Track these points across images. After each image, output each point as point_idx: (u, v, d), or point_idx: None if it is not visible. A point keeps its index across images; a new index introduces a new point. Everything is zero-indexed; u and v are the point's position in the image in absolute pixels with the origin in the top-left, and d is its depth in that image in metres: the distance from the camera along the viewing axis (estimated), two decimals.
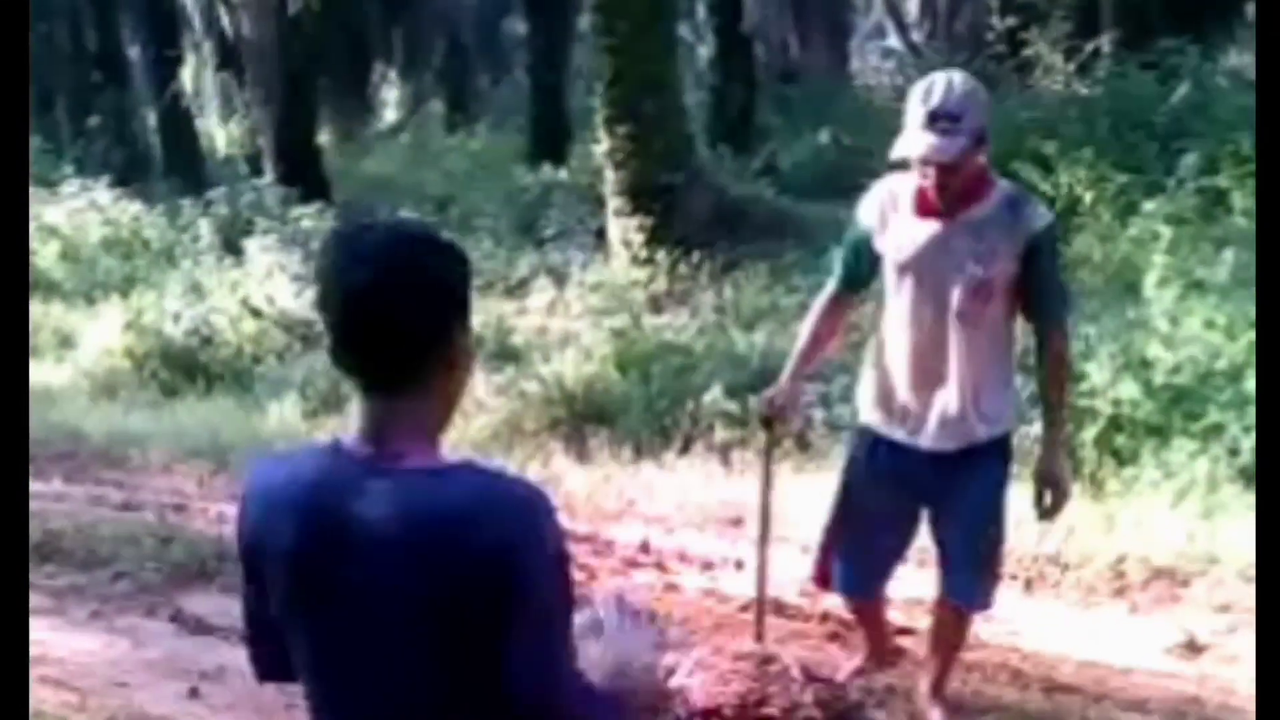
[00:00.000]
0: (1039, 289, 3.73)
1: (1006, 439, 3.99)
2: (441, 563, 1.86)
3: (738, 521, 6.35)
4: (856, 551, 4.17)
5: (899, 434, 3.93)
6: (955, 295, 3.74)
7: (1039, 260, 3.68)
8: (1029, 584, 5.56)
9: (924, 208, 3.78)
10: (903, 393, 3.88)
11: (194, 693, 4.84)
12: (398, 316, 1.88)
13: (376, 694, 1.96)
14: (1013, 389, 4.03)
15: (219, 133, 19.59)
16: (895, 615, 5.25)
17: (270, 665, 2.17)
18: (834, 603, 5.44)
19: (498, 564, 1.85)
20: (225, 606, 5.68)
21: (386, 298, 1.87)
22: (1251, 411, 6.20)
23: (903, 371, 3.87)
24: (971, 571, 4.04)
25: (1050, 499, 3.92)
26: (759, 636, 4.33)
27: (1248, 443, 6.14)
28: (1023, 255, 3.66)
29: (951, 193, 3.66)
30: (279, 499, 2.00)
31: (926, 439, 3.89)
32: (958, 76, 3.66)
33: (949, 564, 4.09)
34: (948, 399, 3.83)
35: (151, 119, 19.86)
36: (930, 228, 3.78)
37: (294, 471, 2.01)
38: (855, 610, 4.55)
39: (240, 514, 2.08)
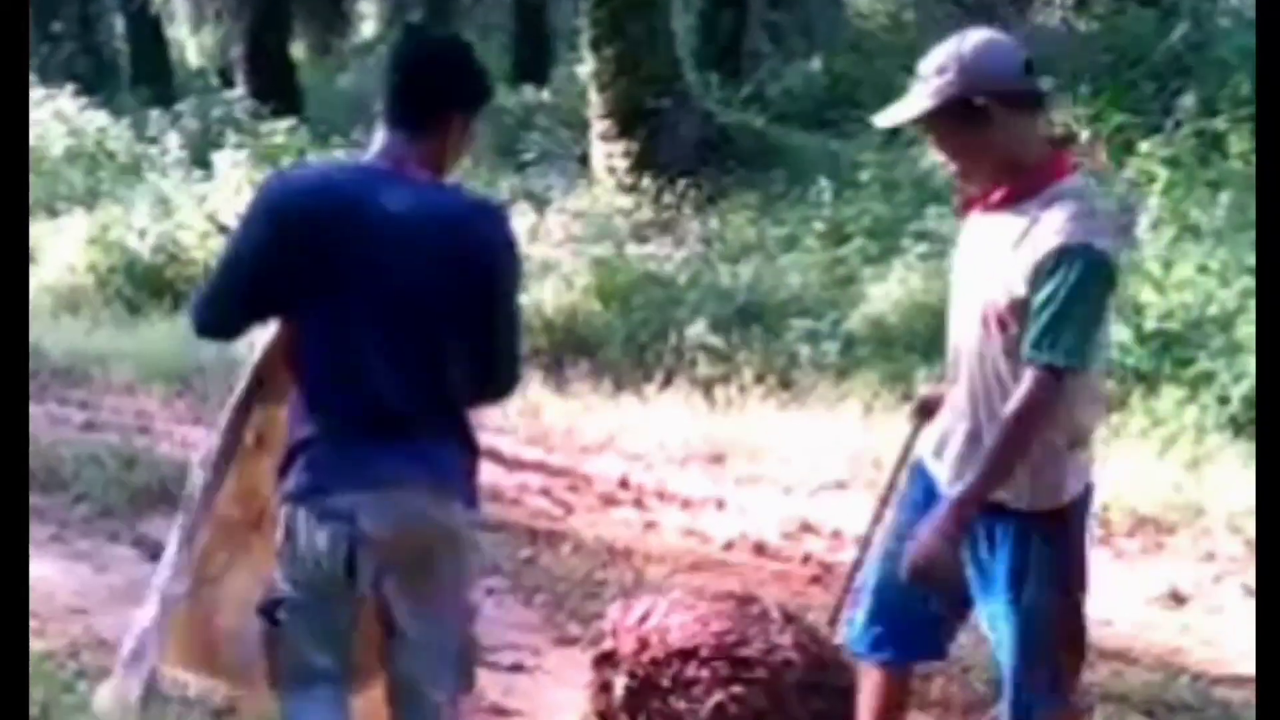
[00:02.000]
0: (1035, 313, 2.79)
1: (1037, 517, 2.96)
2: (453, 249, 2.67)
3: (719, 459, 6.25)
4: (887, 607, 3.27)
5: (933, 470, 3.16)
6: (968, 319, 3.00)
7: (1046, 283, 2.77)
8: None
9: (965, 200, 3.11)
10: (941, 424, 3.18)
11: None
12: (434, 78, 2.80)
13: (389, 361, 2.65)
14: (1057, 455, 2.93)
15: (189, 43, 19.22)
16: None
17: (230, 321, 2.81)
18: (816, 545, 5.38)
19: (493, 254, 2.74)
20: None
21: (429, 67, 2.82)
22: (1242, 360, 6.13)
23: (947, 402, 3.17)
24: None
25: (907, 559, 2.94)
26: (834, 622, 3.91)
27: (1237, 391, 6.08)
28: (1030, 277, 2.80)
29: (979, 180, 2.97)
30: (317, 189, 2.76)
31: (942, 488, 3.07)
32: (970, 31, 3.00)
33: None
34: (956, 448, 3.05)
35: (119, 26, 19.42)
36: (971, 226, 3.07)
37: (326, 174, 3.06)
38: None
39: (269, 202, 2.73)
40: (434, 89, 2.79)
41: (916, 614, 3.13)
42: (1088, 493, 3.02)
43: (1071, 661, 3.08)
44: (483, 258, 2.70)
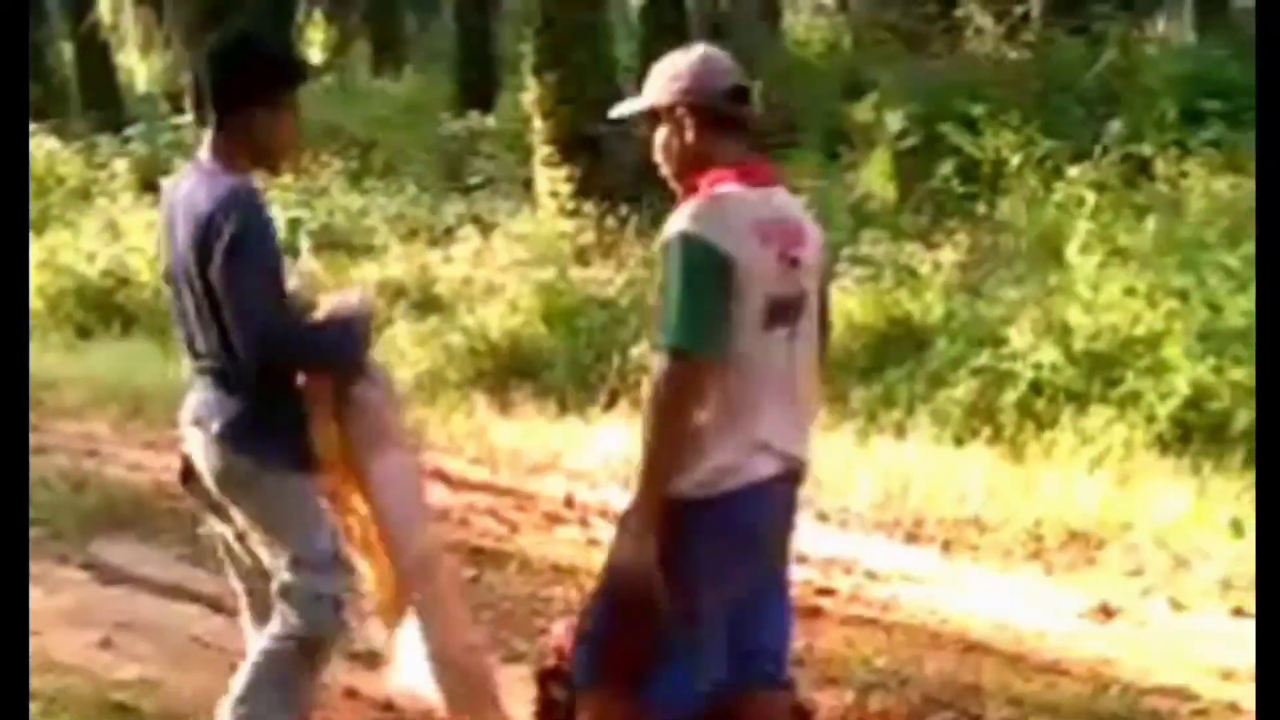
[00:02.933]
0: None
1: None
2: (191, 231, 3.23)
3: None
4: None
5: None
6: None
7: (665, 276, 2.97)
8: (947, 545, 5.63)
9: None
10: None
11: (106, 642, 4.77)
12: (223, 76, 3.31)
13: (184, 322, 3.36)
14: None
15: (139, 68, 19.16)
16: (812, 574, 5.32)
17: None
18: None
19: (206, 231, 3.19)
20: (141, 555, 5.62)
21: (218, 67, 3.32)
22: (1169, 379, 6.31)
23: None
24: None
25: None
26: None
27: (1164, 410, 6.26)
28: None
29: (677, 184, 3.12)
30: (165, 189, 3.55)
31: None
32: (696, 47, 3.21)
33: None
34: None
35: (68, 52, 19.31)
36: None
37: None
38: None
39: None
40: (223, 86, 3.27)
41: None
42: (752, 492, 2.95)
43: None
44: (204, 236, 3.20)
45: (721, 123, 3.04)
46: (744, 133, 3.08)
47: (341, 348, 3.43)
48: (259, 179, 3.50)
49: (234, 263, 3.20)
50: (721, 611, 2.99)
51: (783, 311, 2.95)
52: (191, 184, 3.32)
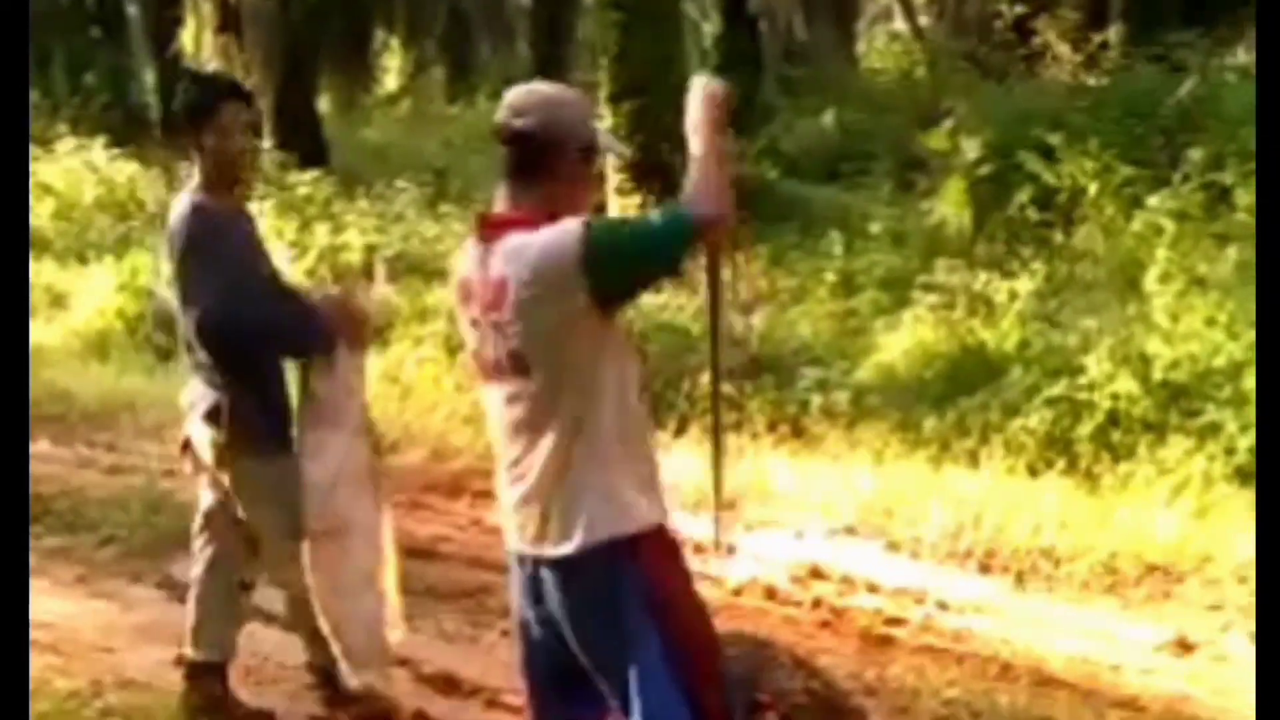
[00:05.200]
0: None
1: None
2: (167, 246, 4.08)
3: (731, 504, 6.32)
4: None
5: None
6: None
7: None
8: (1020, 577, 5.55)
9: None
10: None
11: (179, 660, 4.78)
12: (175, 110, 4.14)
13: None
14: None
15: None
16: (883, 604, 5.26)
17: None
18: (826, 590, 5.46)
19: (172, 240, 4.02)
20: None
21: (171, 101, 4.19)
22: (1250, 411, 6.19)
23: None
24: None
25: None
26: None
27: (1244, 442, 6.13)
28: None
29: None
30: None
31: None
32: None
33: None
34: None
35: (149, 79, 19.71)
36: None
37: None
38: None
39: None
40: (177, 117, 4.06)
41: None
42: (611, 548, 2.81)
43: None
44: (169, 249, 4.05)
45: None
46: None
47: (285, 338, 4.02)
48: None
49: (185, 270, 3.97)
50: None
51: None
52: (176, 206, 4.10)
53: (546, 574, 2.84)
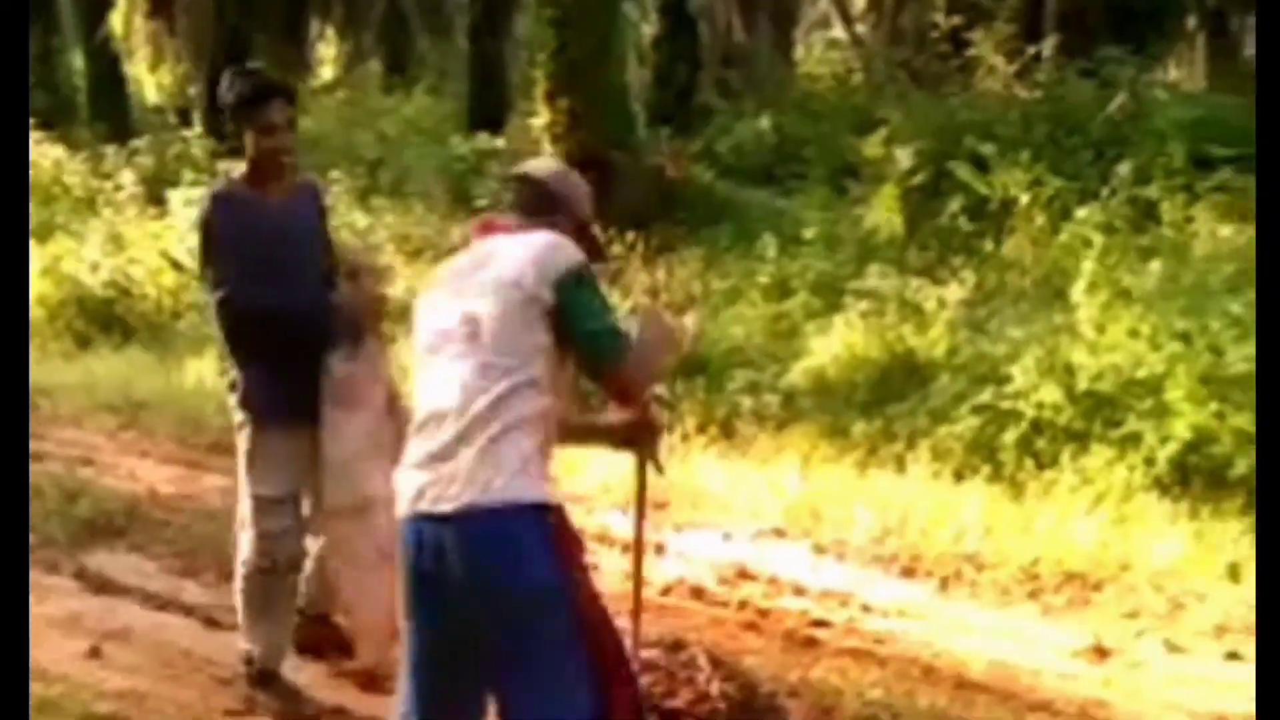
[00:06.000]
0: None
1: None
2: None
3: (661, 505, 6.32)
4: None
5: None
6: None
7: None
8: (945, 582, 5.59)
9: None
10: None
11: (95, 652, 4.73)
12: (222, 104, 4.23)
13: None
14: None
15: (148, 80, 19.20)
16: (809, 605, 5.29)
17: None
18: (753, 591, 5.47)
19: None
20: (133, 565, 5.59)
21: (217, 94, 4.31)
22: (1169, 422, 6.29)
23: None
24: None
25: None
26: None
27: (1164, 453, 6.23)
28: None
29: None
30: None
31: None
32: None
33: None
34: None
35: (78, 62, 19.39)
36: None
37: None
38: None
39: None
40: (225, 110, 4.21)
41: None
42: None
43: None
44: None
45: None
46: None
47: (288, 327, 4.08)
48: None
49: (201, 256, 4.28)
50: None
51: None
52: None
53: (447, 532, 2.83)
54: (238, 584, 4.28)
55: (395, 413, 4.17)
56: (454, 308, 2.98)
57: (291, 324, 4.11)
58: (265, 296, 4.08)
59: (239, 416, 4.21)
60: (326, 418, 4.12)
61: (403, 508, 2.93)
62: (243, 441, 4.21)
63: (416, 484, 2.90)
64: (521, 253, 2.96)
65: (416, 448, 2.95)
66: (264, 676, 4.27)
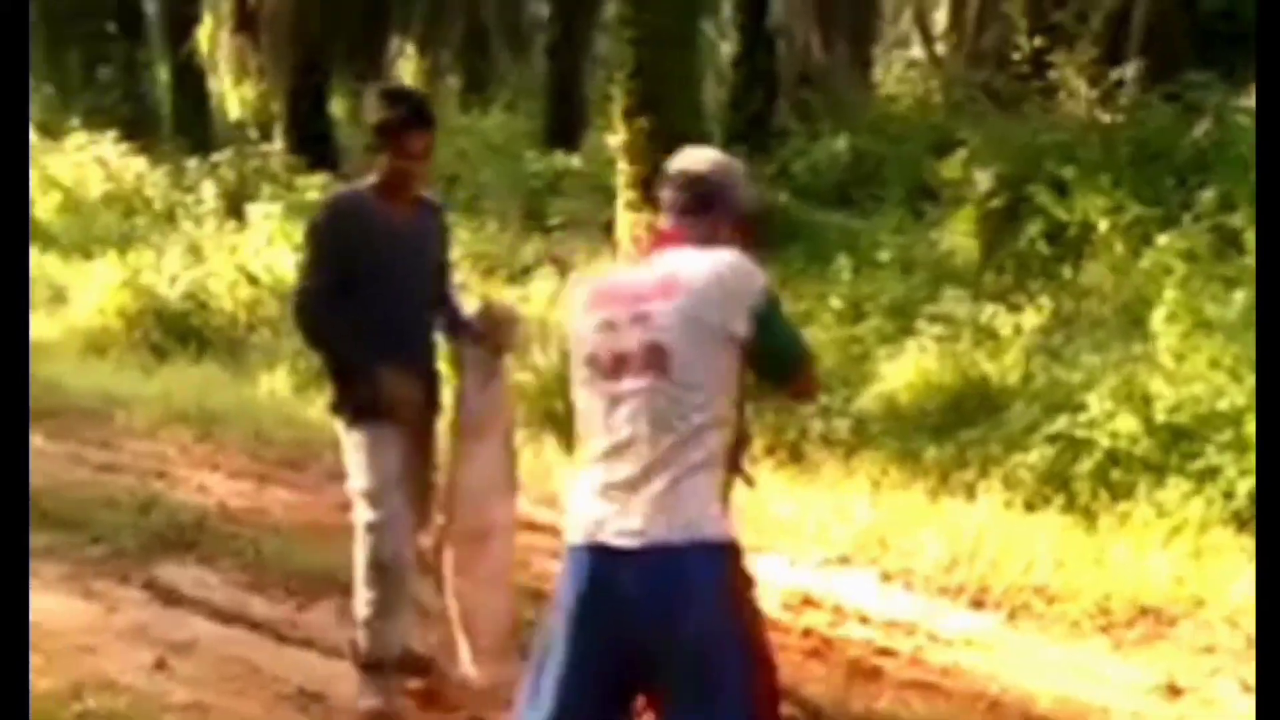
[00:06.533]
0: None
1: None
2: None
3: None
4: None
5: None
6: None
7: None
8: (1013, 613, 5.50)
9: None
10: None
11: (161, 664, 4.78)
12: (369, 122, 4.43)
13: None
14: None
15: (231, 95, 19.53)
16: (873, 635, 5.22)
17: None
18: (817, 619, 5.42)
19: None
20: (201, 578, 5.65)
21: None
22: (1250, 456, 6.14)
23: None
24: None
25: None
26: None
27: (1243, 486, 6.09)
28: None
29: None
30: None
31: None
32: None
33: None
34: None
35: (163, 76, 19.74)
36: None
37: None
38: None
39: None
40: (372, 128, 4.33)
41: None
42: None
43: None
44: None
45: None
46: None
47: (326, 328, 4.30)
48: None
49: (304, 251, 4.54)
50: None
51: None
52: None
53: (626, 565, 2.88)
54: (356, 583, 4.34)
55: (512, 445, 4.48)
56: (635, 332, 2.95)
57: (391, 335, 4.23)
58: (371, 305, 4.20)
59: (338, 419, 4.35)
60: (458, 447, 4.28)
61: (575, 535, 2.96)
62: (343, 438, 4.34)
63: (597, 514, 2.93)
64: (711, 281, 2.95)
65: (596, 476, 2.97)
66: (371, 665, 4.32)
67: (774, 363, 3.05)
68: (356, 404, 4.26)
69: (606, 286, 3.10)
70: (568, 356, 3.22)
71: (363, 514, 4.26)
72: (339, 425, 4.36)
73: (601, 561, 2.90)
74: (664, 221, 3.20)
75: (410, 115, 4.26)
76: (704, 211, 3.12)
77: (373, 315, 4.20)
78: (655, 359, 2.91)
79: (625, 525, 2.88)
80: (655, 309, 2.94)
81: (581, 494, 2.99)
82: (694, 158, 3.24)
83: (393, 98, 4.39)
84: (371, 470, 4.23)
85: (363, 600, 4.28)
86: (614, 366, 2.96)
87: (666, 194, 3.19)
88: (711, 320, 2.91)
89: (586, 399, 3.02)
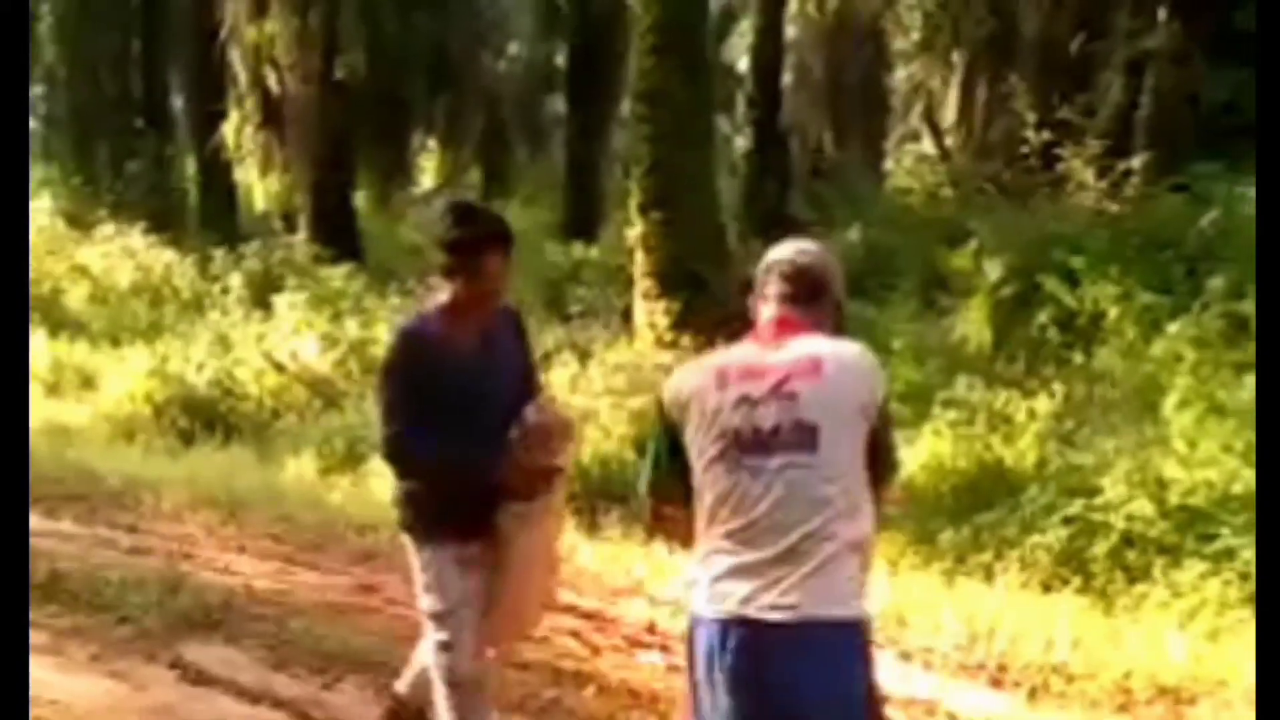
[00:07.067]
0: None
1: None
2: None
3: None
4: None
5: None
6: None
7: None
8: (1033, 692, 5.52)
9: None
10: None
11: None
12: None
13: None
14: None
15: (256, 187, 19.89)
16: (894, 714, 5.25)
17: None
18: None
19: None
20: (227, 657, 5.70)
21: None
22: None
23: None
24: None
25: None
26: None
27: None
28: None
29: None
30: None
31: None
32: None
33: None
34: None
35: (190, 169, 20.11)
36: None
37: None
38: None
39: None
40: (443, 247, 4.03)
41: None
42: None
43: None
44: None
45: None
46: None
47: (420, 466, 4.08)
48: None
49: (379, 390, 4.17)
50: None
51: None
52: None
53: (773, 638, 2.98)
54: (435, 699, 4.20)
55: (555, 573, 4.42)
56: (780, 410, 3.04)
57: (467, 472, 4.03)
58: (443, 446, 3.99)
59: (408, 536, 4.19)
60: (498, 581, 4.11)
61: (715, 607, 3.05)
62: (413, 557, 4.19)
63: (742, 589, 3.02)
64: (853, 367, 3.11)
65: (741, 551, 3.05)
66: None
67: (885, 457, 3.17)
68: (427, 524, 4.12)
69: (738, 365, 3.14)
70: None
71: (433, 634, 4.14)
72: (409, 543, 4.19)
73: (744, 633, 3.00)
74: (769, 310, 3.28)
75: (488, 235, 3.99)
76: (813, 300, 3.27)
77: (459, 442, 3.96)
78: (805, 436, 3.02)
79: (776, 600, 2.98)
80: (801, 388, 3.05)
81: (718, 567, 3.06)
82: (800, 250, 3.37)
83: (465, 214, 4.06)
84: (439, 591, 4.09)
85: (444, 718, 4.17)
86: (757, 442, 3.05)
87: (773, 283, 3.30)
88: (854, 404, 3.06)
89: (723, 474, 3.08)
